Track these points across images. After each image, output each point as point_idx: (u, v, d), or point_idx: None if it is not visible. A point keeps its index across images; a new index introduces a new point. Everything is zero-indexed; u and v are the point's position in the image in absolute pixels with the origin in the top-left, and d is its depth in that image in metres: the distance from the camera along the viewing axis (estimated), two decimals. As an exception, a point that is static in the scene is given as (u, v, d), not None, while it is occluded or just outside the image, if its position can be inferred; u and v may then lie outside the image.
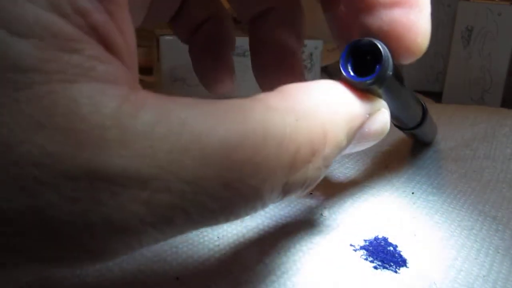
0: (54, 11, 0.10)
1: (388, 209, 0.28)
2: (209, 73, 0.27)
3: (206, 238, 0.24)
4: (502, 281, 0.22)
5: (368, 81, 0.16)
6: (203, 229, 0.25)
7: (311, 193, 0.29)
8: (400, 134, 0.38)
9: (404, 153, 0.37)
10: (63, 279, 0.20)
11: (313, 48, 0.54)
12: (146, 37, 0.59)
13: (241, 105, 0.13)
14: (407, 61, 0.17)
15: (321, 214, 0.27)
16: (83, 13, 0.11)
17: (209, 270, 0.21)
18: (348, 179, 0.32)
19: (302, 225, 0.25)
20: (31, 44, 0.10)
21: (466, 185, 0.31)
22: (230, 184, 0.12)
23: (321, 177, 0.15)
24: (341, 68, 0.16)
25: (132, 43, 0.13)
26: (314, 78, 0.56)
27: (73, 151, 0.10)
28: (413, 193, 0.30)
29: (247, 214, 0.13)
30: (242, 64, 0.49)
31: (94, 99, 0.10)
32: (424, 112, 0.30)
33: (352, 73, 0.16)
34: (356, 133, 0.16)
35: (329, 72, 0.69)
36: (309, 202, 0.28)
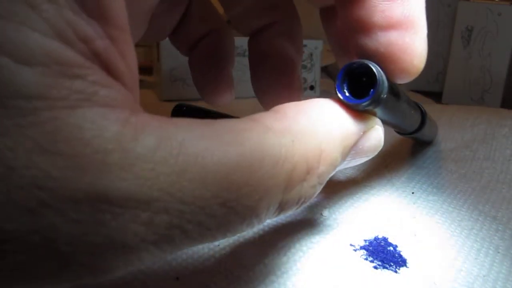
0: (57, 38, 0.11)
1: (388, 209, 0.28)
2: (208, 85, 0.27)
3: (206, 238, 0.24)
4: (502, 281, 0.22)
5: (363, 104, 0.16)
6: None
7: (311, 193, 0.29)
8: (398, 137, 0.38)
9: (404, 153, 0.37)
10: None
11: (313, 48, 0.54)
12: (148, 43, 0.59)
13: (238, 126, 0.13)
14: (402, 81, 0.18)
15: (321, 214, 0.27)
16: (86, 40, 0.11)
17: (209, 270, 0.21)
18: (348, 179, 0.32)
19: (302, 225, 0.25)
20: (35, 71, 0.10)
21: (466, 185, 0.31)
22: (227, 204, 0.12)
23: (316, 194, 0.16)
24: (337, 90, 0.17)
25: (134, 66, 0.13)
26: (314, 78, 0.56)
27: (76, 175, 0.10)
28: (413, 193, 0.30)
29: (243, 231, 0.14)
30: (242, 64, 0.49)
31: (96, 124, 0.11)
32: (423, 116, 0.30)
33: (347, 94, 0.17)
34: (350, 151, 0.17)
35: (329, 72, 0.69)
36: (309, 202, 0.28)
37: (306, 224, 0.26)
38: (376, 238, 0.24)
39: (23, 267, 0.11)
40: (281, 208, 0.14)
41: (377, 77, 0.16)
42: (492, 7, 0.53)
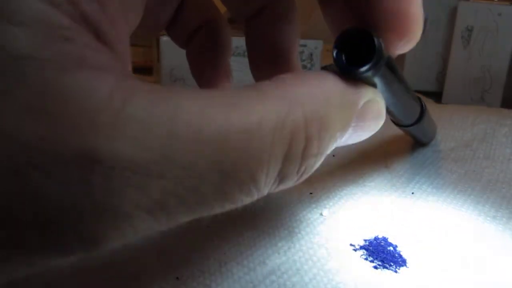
0: (46, 0, 0.10)
1: (388, 209, 0.28)
2: (206, 77, 0.27)
3: (206, 238, 0.24)
4: (501, 281, 0.22)
5: (361, 70, 0.16)
6: (203, 229, 0.25)
7: (311, 193, 0.29)
8: (400, 134, 0.38)
9: (404, 153, 0.37)
10: (62, 279, 0.20)
11: (313, 48, 0.54)
12: (146, 37, 0.59)
13: (236, 93, 0.13)
14: (402, 49, 0.17)
15: (321, 214, 0.27)
16: (74, 2, 0.11)
17: (209, 270, 0.21)
18: (348, 179, 0.32)
19: (302, 225, 0.25)
20: (24, 33, 0.10)
21: (466, 185, 0.31)
22: (225, 170, 0.12)
23: (316, 165, 0.15)
24: (334, 58, 0.16)
25: (124, 34, 0.13)
26: (314, 78, 0.56)
27: (65, 135, 0.10)
28: (413, 193, 0.30)
29: (242, 202, 0.13)
30: (242, 64, 0.50)
31: (86, 85, 0.10)
32: (422, 109, 0.30)
33: (345, 62, 0.16)
34: (351, 122, 0.16)
35: (329, 72, 0.69)
36: (309, 202, 0.28)
37: (306, 224, 0.26)
38: (376, 238, 0.24)
39: (8, 236, 0.10)
40: (281, 177, 0.14)
41: (376, 41, 0.16)
42: (492, 7, 0.53)
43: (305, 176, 0.15)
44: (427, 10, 0.56)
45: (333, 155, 0.35)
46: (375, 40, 0.16)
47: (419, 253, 0.23)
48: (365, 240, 0.24)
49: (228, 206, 0.13)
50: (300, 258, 0.22)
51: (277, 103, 0.13)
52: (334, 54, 0.16)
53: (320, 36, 0.53)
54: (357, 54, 0.16)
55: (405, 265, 0.22)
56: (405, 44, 0.17)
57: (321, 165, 0.34)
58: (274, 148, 0.13)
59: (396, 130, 0.37)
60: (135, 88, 0.11)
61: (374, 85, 0.18)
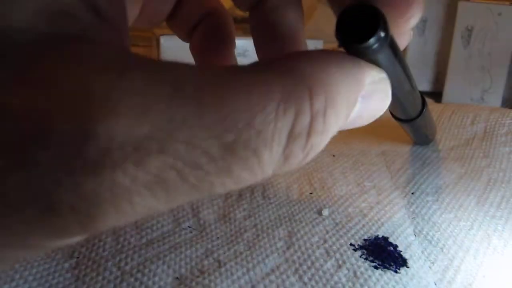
0: None
1: (388, 209, 0.28)
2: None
3: (206, 238, 0.24)
4: (501, 281, 0.22)
5: (366, 44, 0.15)
6: (202, 229, 0.25)
7: (311, 193, 0.29)
8: (400, 134, 0.38)
9: (404, 153, 0.37)
10: (62, 279, 0.20)
11: (313, 48, 0.54)
12: (146, 37, 0.59)
13: (240, 67, 0.13)
14: (404, 28, 0.17)
15: (321, 214, 0.27)
16: None
17: (209, 270, 0.21)
18: (347, 179, 0.32)
19: (302, 225, 0.25)
20: (24, 7, 0.10)
21: (466, 184, 0.31)
22: (227, 145, 0.11)
23: (322, 145, 0.15)
24: (337, 34, 0.16)
25: (123, 15, 0.13)
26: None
27: (59, 105, 0.10)
28: (413, 193, 0.30)
29: (246, 181, 0.13)
30: (242, 64, 0.49)
31: (82, 57, 0.10)
32: (424, 103, 0.29)
33: (347, 39, 0.16)
34: (356, 100, 0.16)
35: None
36: (309, 202, 0.28)
37: (305, 223, 0.26)
38: (376, 238, 0.24)
39: (5, 212, 0.10)
40: (286, 155, 0.13)
41: (379, 13, 0.15)
42: (492, 7, 0.53)
43: (311, 156, 0.14)
44: (427, 10, 0.56)
45: (333, 155, 0.35)
46: (379, 12, 0.15)
47: (419, 253, 0.23)
48: (365, 240, 0.24)
49: (230, 185, 0.13)
50: (299, 258, 0.23)
51: (282, 77, 0.13)
52: (337, 31, 0.16)
53: (320, 36, 0.53)
54: (361, 32, 0.16)
55: (405, 265, 0.22)
56: (406, 22, 0.17)
57: (321, 165, 0.34)
58: (278, 122, 0.12)
59: (395, 130, 0.37)
60: (132, 61, 0.11)
61: (378, 63, 0.17)
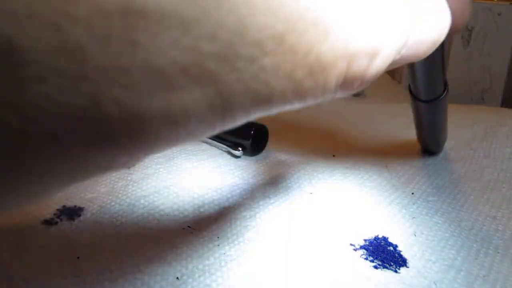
0: None
1: (388, 210, 0.28)
2: None
3: (206, 238, 0.24)
4: (501, 281, 0.22)
5: None
6: (202, 229, 0.25)
7: (311, 193, 0.29)
8: (400, 134, 0.38)
9: (404, 154, 0.37)
10: (62, 279, 0.20)
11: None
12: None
13: None
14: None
15: (321, 214, 0.27)
16: None
17: (210, 270, 0.21)
18: (348, 179, 0.32)
19: (302, 225, 0.25)
20: None
21: (466, 185, 0.31)
22: (286, 39, 0.11)
23: (375, 69, 0.14)
24: None
25: None
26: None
27: None
28: (412, 193, 0.30)
29: (316, 96, 0.12)
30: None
31: None
32: (446, 84, 0.29)
33: None
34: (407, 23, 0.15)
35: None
36: (310, 201, 0.28)
37: (306, 224, 0.26)
38: (376, 238, 0.24)
39: (46, 105, 0.09)
40: (346, 77, 0.13)
41: None
42: (492, 7, 0.53)
43: (365, 83, 0.14)
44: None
45: (333, 155, 0.35)
46: None
47: (419, 253, 0.23)
48: (365, 240, 0.24)
49: (294, 100, 0.12)
50: (299, 258, 0.23)
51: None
52: None
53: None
54: None
55: (405, 265, 0.22)
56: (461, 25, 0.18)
57: (321, 165, 0.34)
58: (333, 47, 0.12)
59: (396, 130, 0.37)
60: None
61: None
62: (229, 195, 0.28)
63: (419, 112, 0.32)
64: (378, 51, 0.14)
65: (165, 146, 0.11)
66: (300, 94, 0.12)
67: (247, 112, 0.11)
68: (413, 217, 0.27)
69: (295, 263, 0.22)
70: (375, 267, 0.22)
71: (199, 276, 0.21)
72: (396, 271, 0.22)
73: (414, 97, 0.31)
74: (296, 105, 0.13)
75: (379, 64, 0.14)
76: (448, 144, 0.38)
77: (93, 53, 0.09)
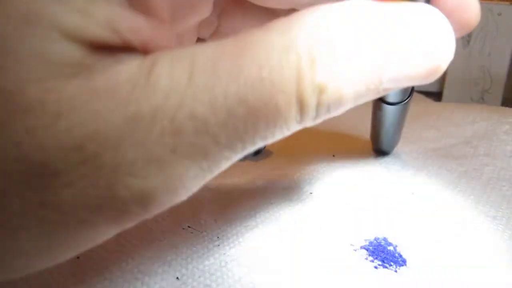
0: (107, 28, 0.13)
1: (388, 210, 0.28)
2: None
3: (206, 238, 0.24)
4: (502, 282, 0.22)
5: None
6: (202, 229, 0.25)
7: (311, 193, 0.29)
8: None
9: (404, 154, 0.37)
10: (62, 279, 0.20)
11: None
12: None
13: (245, 35, 0.14)
14: (460, 34, 0.17)
15: (321, 214, 0.27)
16: (132, 30, 0.13)
17: (209, 270, 0.21)
18: (347, 179, 0.32)
19: (302, 225, 0.25)
20: (80, 46, 0.12)
21: (466, 184, 0.31)
22: (246, 101, 0.13)
23: (335, 89, 0.14)
24: None
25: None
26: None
27: (110, 107, 0.12)
28: (412, 193, 0.30)
29: (272, 135, 0.14)
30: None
31: (121, 64, 0.13)
32: (412, 90, 0.29)
33: None
34: (380, 42, 0.14)
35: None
36: (309, 201, 0.28)
37: (306, 224, 0.26)
38: (376, 238, 0.24)
39: (76, 201, 0.12)
40: (302, 103, 0.14)
41: None
42: (492, 7, 0.53)
43: (325, 105, 0.14)
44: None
45: (333, 155, 0.35)
46: None
47: (419, 253, 0.23)
48: (365, 240, 0.24)
49: (259, 142, 0.14)
50: (300, 258, 0.22)
51: (283, 33, 0.13)
52: None
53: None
54: None
55: (405, 265, 0.22)
56: (466, 30, 0.17)
57: (321, 165, 0.34)
58: (284, 74, 0.13)
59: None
60: (160, 53, 0.13)
61: None
62: (229, 195, 0.28)
63: (383, 113, 0.32)
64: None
65: (170, 204, 0.14)
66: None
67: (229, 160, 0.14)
68: (413, 217, 0.27)
69: (295, 263, 0.22)
70: (375, 267, 0.22)
71: (199, 276, 0.21)
72: (396, 271, 0.22)
73: (380, 98, 0.31)
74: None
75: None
76: (449, 142, 0.38)
77: (107, 158, 0.12)
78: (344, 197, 0.29)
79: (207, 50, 0.13)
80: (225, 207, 0.27)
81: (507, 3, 0.54)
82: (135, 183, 0.12)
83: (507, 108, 0.45)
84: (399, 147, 0.37)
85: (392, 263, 0.22)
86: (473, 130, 0.40)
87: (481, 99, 0.56)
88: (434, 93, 0.60)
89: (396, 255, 0.23)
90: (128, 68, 0.13)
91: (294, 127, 0.14)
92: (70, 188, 0.12)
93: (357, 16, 0.14)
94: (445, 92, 0.57)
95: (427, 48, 0.14)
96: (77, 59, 0.12)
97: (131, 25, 0.13)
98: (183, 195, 0.14)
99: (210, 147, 0.13)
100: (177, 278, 0.21)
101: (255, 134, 0.13)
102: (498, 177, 0.32)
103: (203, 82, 0.13)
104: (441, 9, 0.16)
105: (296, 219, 0.26)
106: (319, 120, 0.15)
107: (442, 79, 0.59)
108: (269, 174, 0.32)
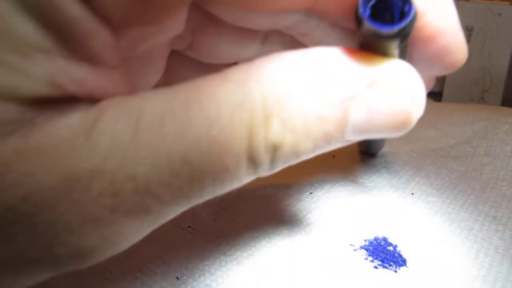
0: (50, 84, 0.12)
1: (388, 209, 0.28)
2: None
3: (206, 238, 0.24)
4: (501, 281, 0.22)
5: (395, 30, 0.13)
6: (202, 229, 0.25)
7: (311, 193, 0.29)
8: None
9: (404, 154, 0.37)
10: (62, 280, 0.20)
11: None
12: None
13: (200, 82, 0.13)
14: (449, 71, 0.17)
15: (321, 214, 0.27)
16: (78, 82, 0.12)
17: (209, 270, 0.21)
18: (348, 179, 0.32)
19: (302, 225, 0.25)
20: (18, 106, 0.12)
21: (466, 184, 0.31)
22: (192, 162, 0.12)
23: (291, 144, 0.13)
24: (361, 13, 0.13)
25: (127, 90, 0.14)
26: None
27: (50, 166, 0.12)
28: (412, 193, 0.30)
29: (222, 190, 0.13)
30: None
31: (63, 119, 0.12)
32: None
33: (372, 20, 0.13)
34: (346, 102, 0.13)
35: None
36: (309, 202, 0.28)
37: (306, 224, 0.26)
38: (376, 238, 0.24)
39: (12, 255, 0.12)
40: (253, 162, 0.13)
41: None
42: (492, 7, 0.53)
43: (280, 160, 0.14)
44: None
45: (333, 156, 0.35)
46: None
47: (419, 253, 0.23)
48: (365, 240, 0.24)
49: (207, 196, 0.13)
50: (300, 258, 0.23)
51: (237, 86, 0.13)
52: (361, 7, 0.13)
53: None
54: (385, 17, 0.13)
55: (405, 265, 0.22)
56: (455, 68, 0.16)
57: (322, 165, 0.34)
58: (235, 130, 0.13)
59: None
60: (105, 106, 0.12)
61: (393, 55, 0.14)
62: (228, 196, 0.28)
63: None
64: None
65: (113, 254, 0.13)
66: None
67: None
68: (413, 217, 0.27)
69: (295, 263, 0.22)
70: (375, 267, 0.22)
71: (199, 276, 0.21)
72: (396, 271, 0.22)
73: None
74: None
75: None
76: (449, 142, 0.38)
77: (42, 217, 0.12)
78: (344, 197, 0.29)
79: (156, 103, 0.12)
80: (225, 207, 0.27)
81: (507, 3, 0.54)
82: (72, 241, 0.12)
83: (507, 108, 0.45)
84: (399, 147, 0.37)
85: (392, 263, 0.22)
86: (473, 130, 0.40)
87: (481, 99, 0.56)
88: (434, 93, 0.60)
89: (396, 255, 0.23)
90: (69, 124, 0.12)
91: (247, 180, 0.14)
92: (6, 244, 0.12)
93: (319, 68, 0.13)
94: (445, 92, 0.57)
95: (395, 103, 0.14)
96: (14, 117, 0.12)
97: (75, 77, 0.12)
98: (125, 247, 0.13)
99: (153, 205, 0.12)
100: (177, 278, 0.21)
101: (202, 191, 0.13)
102: (498, 176, 0.32)
103: (147, 141, 0.12)
104: (428, 52, 0.15)
105: (296, 219, 0.26)
106: (277, 170, 0.14)
107: (442, 79, 0.59)
108: (269, 174, 0.32)
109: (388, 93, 0.14)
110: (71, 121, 0.12)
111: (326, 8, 0.17)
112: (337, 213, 0.27)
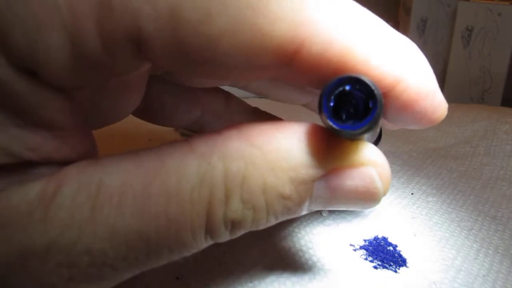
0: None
1: (388, 209, 0.28)
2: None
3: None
4: (501, 281, 0.22)
5: (360, 129, 0.13)
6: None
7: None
8: (399, 135, 0.38)
9: (404, 154, 0.37)
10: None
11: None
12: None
13: (165, 152, 0.13)
14: (427, 126, 0.17)
15: (321, 214, 0.27)
16: (33, 148, 0.13)
17: (209, 270, 0.21)
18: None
19: (302, 225, 0.25)
20: None
21: (466, 184, 0.31)
22: (149, 238, 0.12)
23: (251, 220, 0.14)
24: (323, 113, 0.13)
25: (84, 152, 0.14)
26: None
27: (7, 237, 0.12)
28: (412, 194, 0.30)
29: (180, 256, 0.14)
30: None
31: (21, 190, 0.12)
32: (379, 136, 0.28)
33: (337, 121, 0.13)
34: (308, 186, 0.14)
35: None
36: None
37: (306, 224, 0.26)
38: (376, 238, 0.24)
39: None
40: (211, 234, 0.13)
41: (376, 93, 0.13)
42: (492, 7, 0.53)
43: (242, 230, 0.14)
44: (428, 11, 0.56)
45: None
46: (376, 92, 0.13)
47: (419, 253, 0.23)
48: (365, 240, 0.24)
49: (165, 262, 0.14)
50: (300, 258, 0.23)
51: (200, 160, 0.13)
52: (323, 108, 0.13)
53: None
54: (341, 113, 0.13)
55: (405, 265, 0.22)
56: (434, 123, 0.17)
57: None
58: (194, 207, 0.13)
59: (395, 131, 0.37)
60: (65, 177, 0.12)
61: (360, 139, 0.14)
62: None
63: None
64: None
65: None
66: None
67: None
68: (413, 217, 0.27)
69: (295, 263, 0.22)
70: (375, 267, 0.22)
71: (199, 276, 0.21)
72: (396, 271, 0.22)
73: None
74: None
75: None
76: (449, 142, 0.38)
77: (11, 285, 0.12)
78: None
79: (116, 176, 0.12)
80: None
81: (507, 3, 0.54)
82: None
83: (507, 108, 0.45)
84: (399, 147, 0.37)
85: (391, 263, 0.22)
86: (473, 130, 0.40)
87: (481, 99, 0.56)
88: (434, 93, 0.59)
89: (396, 255, 0.23)
90: (27, 196, 0.12)
91: (206, 246, 0.14)
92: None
93: (284, 149, 0.13)
94: (445, 92, 0.57)
95: (357, 186, 0.14)
96: None
97: (30, 144, 0.12)
98: None
99: (109, 274, 0.13)
100: (177, 278, 0.21)
101: (159, 260, 0.13)
102: (497, 176, 0.32)
103: (105, 217, 0.12)
104: (405, 116, 0.15)
105: (296, 219, 0.26)
106: (237, 236, 0.14)
107: (442, 79, 0.59)
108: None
109: (350, 177, 0.14)
110: (29, 194, 0.12)
111: (291, 79, 0.16)
112: (337, 213, 0.27)
